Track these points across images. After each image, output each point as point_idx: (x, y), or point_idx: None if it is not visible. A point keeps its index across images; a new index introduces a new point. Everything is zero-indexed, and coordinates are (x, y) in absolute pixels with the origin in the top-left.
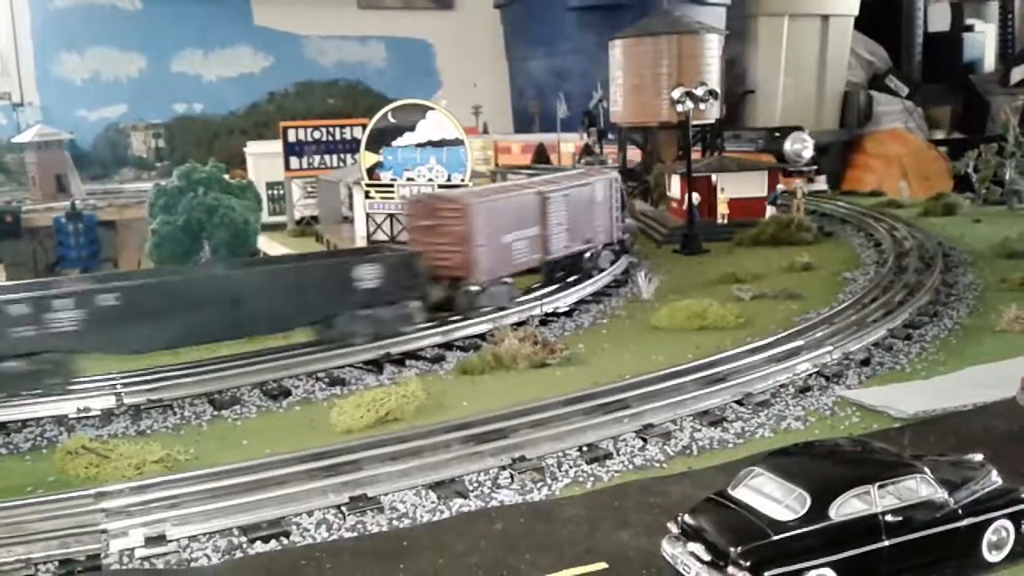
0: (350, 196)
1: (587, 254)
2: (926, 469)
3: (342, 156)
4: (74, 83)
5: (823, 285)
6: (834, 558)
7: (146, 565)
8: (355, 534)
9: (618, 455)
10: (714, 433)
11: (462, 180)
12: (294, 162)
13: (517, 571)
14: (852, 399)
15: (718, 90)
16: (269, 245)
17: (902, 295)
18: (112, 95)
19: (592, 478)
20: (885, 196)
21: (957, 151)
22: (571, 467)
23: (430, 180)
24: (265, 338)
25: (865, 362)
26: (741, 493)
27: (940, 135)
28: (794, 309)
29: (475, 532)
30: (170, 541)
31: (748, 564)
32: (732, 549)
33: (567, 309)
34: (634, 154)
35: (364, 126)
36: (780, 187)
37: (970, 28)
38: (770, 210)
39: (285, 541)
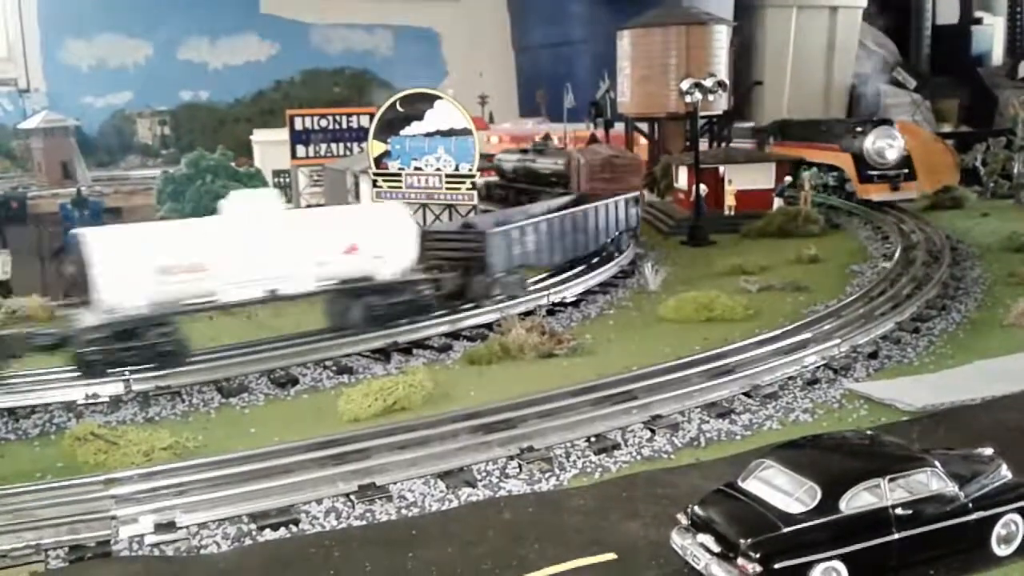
0: (356, 184)
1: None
2: (936, 463)
3: (348, 144)
4: (80, 69)
5: (831, 277)
6: (844, 551)
7: (156, 552)
8: (364, 522)
9: (626, 446)
10: (722, 425)
11: (470, 170)
12: (301, 150)
13: (526, 561)
14: (860, 392)
15: (727, 81)
16: None
17: (910, 288)
18: (118, 82)
19: (600, 469)
20: None
21: (965, 144)
22: (579, 457)
23: (438, 170)
24: (272, 327)
25: (873, 355)
26: (751, 485)
27: (948, 128)
28: (801, 301)
29: (484, 521)
30: (180, 528)
31: (758, 556)
32: (742, 541)
33: (574, 299)
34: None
35: (371, 115)
36: (787, 179)
37: (979, 21)
38: (777, 202)
39: (294, 529)
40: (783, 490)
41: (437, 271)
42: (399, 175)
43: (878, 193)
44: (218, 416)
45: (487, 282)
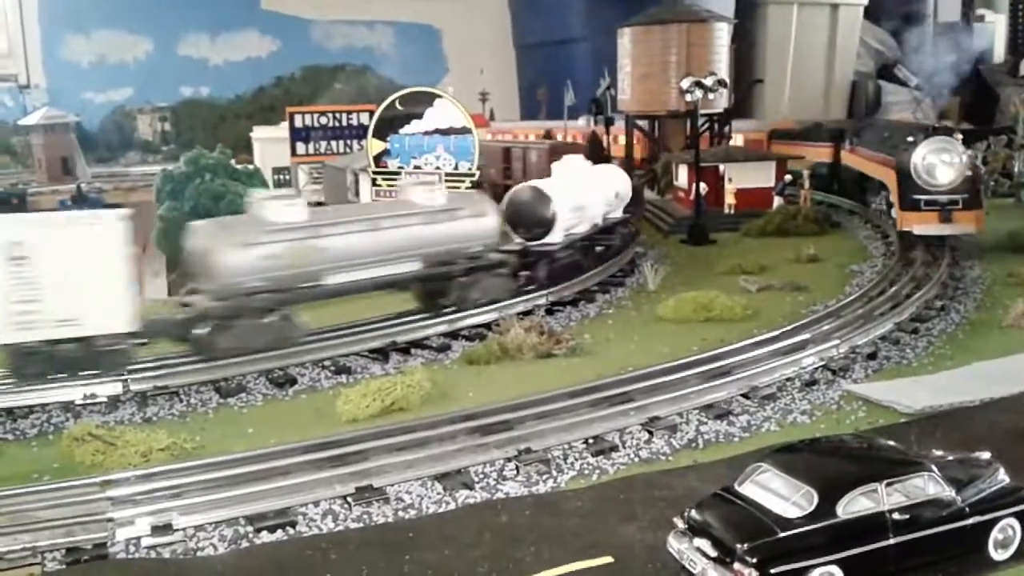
0: (356, 182)
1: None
2: (933, 467)
3: (348, 142)
4: (80, 65)
5: (830, 277)
6: (841, 556)
7: (152, 554)
8: (361, 525)
9: (624, 448)
10: (720, 426)
11: (469, 168)
12: (300, 147)
13: (522, 564)
14: (858, 393)
15: (727, 79)
16: None
17: (909, 288)
18: (119, 78)
19: (598, 471)
20: None
21: (966, 142)
22: (577, 459)
23: (437, 168)
24: None
25: (872, 356)
26: (748, 489)
27: (949, 125)
28: (801, 301)
29: (481, 524)
30: (176, 530)
31: (755, 561)
32: (739, 546)
33: (573, 298)
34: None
35: (371, 112)
36: (787, 178)
37: (980, 18)
38: (777, 201)
39: (291, 531)
40: (780, 494)
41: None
42: (398, 173)
43: (921, 224)
44: (216, 416)
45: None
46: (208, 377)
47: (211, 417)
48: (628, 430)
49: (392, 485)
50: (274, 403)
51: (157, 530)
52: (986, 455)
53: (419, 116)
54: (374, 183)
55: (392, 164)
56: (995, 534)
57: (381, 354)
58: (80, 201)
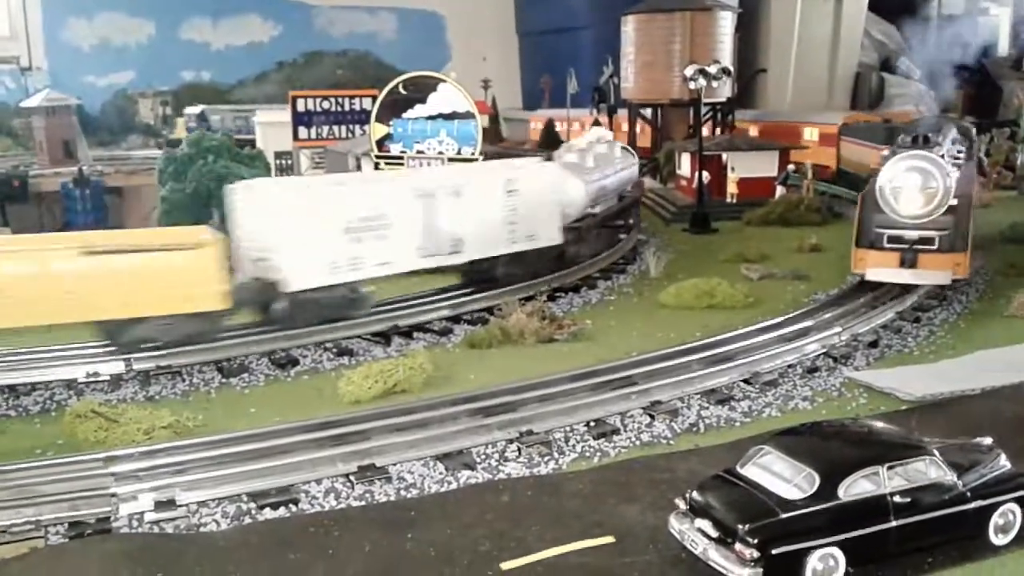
0: (358, 167)
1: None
2: (935, 451)
3: (351, 127)
4: (82, 48)
5: (832, 266)
6: (841, 537)
7: (155, 529)
8: (363, 503)
9: (625, 431)
10: (721, 411)
11: (473, 154)
12: (303, 132)
13: (524, 543)
14: (860, 380)
15: (731, 68)
16: None
17: None
18: (120, 61)
19: (599, 453)
20: None
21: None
22: (578, 442)
23: (440, 153)
24: None
25: (873, 344)
26: (750, 471)
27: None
28: (802, 290)
29: (482, 504)
30: (179, 506)
31: (756, 541)
32: (740, 526)
33: (574, 284)
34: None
35: (373, 97)
36: (790, 167)
37: (985, 11)
38: (780, 190)
39: (294, 508)
40: (782, 476)
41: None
42: (401, 158)
43: (876, 267)
44: (218, 396)
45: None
46: (211, 357)
47: (213, 397)
48: (629, 414)
49: (394, 464)
50: (276, 384)
51: (160, 505)
52: (988, 440)
53: (422, 101)
54: (376, 167)
55: (395, 149)
56: (996, 519)
57: (383, 337)
58: (82, 184)
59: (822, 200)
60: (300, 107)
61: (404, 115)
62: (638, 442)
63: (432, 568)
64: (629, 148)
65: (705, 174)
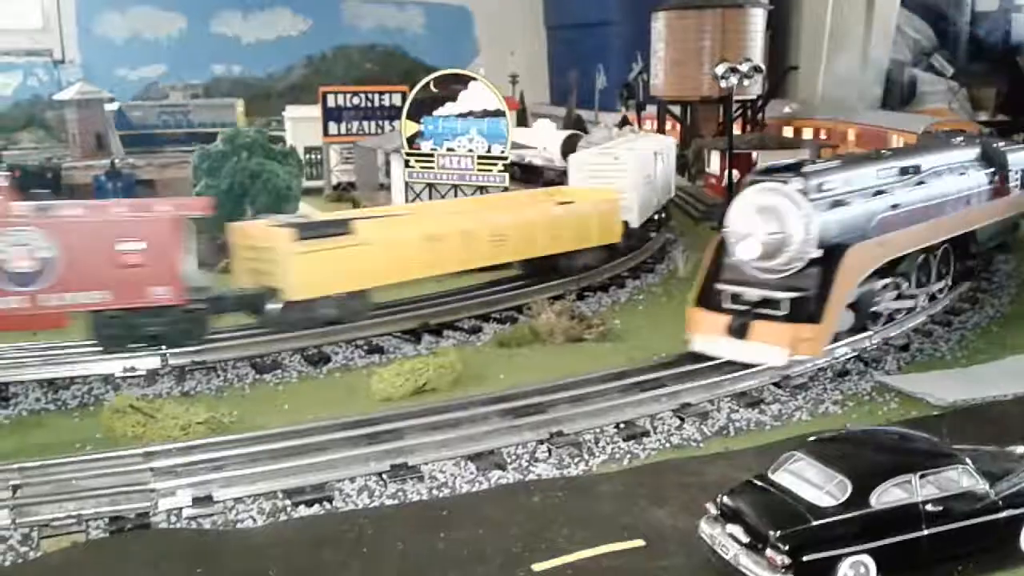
0: (387, 163)
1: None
2: (967, 460)
3: (380, 123)
4: (115, 42)
5: None
6: (873, 545)
7: (193, 525)
8: (396, 501)
9: (655, 433)
10: (751, 415)
11: (502, 151)
12: (332, 127)
13: (555, 545)
14: (891, 385)
15: (762, 65)
16: (309, 210)
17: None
18: (152, 54)
19: (629, 455)
20: None
21: (1002, 133)
22: (608, 444)
23: (470, 151)
24: None
25: (904, 348)
26: (781, 477)
27: (984, 117)
28: None
29: (513, 504)
30: (217, 502)
31: (787, 548)
32: (771, 532)
33: (602, 284)
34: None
35: (403, 93)
36: None
37: (1019, 8)
38: None
39: (328, 506)
40: (813, 483)
41: None
42: (431, 156)
43: (705, 332)
44: (252, 392)
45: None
46: (245, 353)
47: (247, 392)
48: (659, 416)
49: (426, 464)
50: (309, 380)
51: (198, 501)
52: (1020, 449)
53: (453, 98)
54: (407, 164)
55: (425, 146)
56: None
57: (413, 335)
58: (114, 177)
59: None
60: (330, 102)
61: (435, 113)
62: (668, 445)
63: (465, 568)
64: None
65: (735, 172)
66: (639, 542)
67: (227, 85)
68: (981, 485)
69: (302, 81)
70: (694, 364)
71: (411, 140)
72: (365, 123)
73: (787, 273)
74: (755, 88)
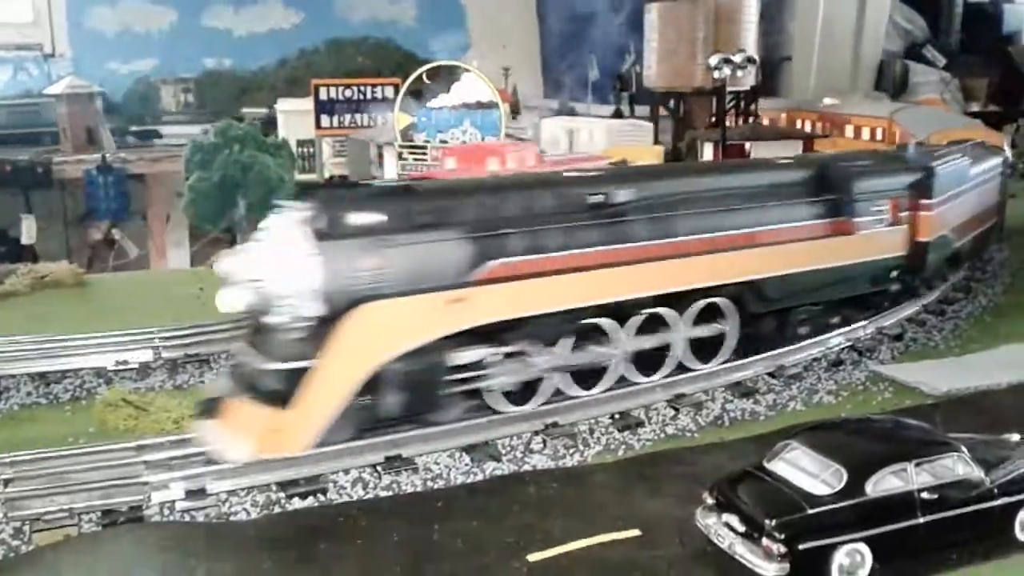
0: (380, 156)
1: None
2: (963, 448)
3: (373, 115)
4: (105, 35)
5: None
6: (869, 533)
7: (186, 518)
8: (391, 493)
9: (649, 424)
10: (746, 404)
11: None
12: (325, 120)
13: (550, 535)
14: (885, 374)
15: (756, 56)
16: None
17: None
18: (143, 48)
19: (624, 446)
20: None
21: (994, 124)
22: (603, 434)
23: (464, 143)
24: None
25: (898, 337)
26: (777, 466)
27: (976, 107)
28: None
29: (509, 495)
30: (210, 495)
31: (783, 537)
32: (767, 521)
33: None
34: None
35: (396, 85)
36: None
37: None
38: None
39: (322, 498)
40: (809, 472)
41: None
42: (425, 147)
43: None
44: None
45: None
46: None
47: None
48: (654, 407)
49: (420, 455)
50: None
51: (191, 494)
52: (1015, 437)
53: (446, 90)
54: (400, 157)
55: (419, 138)
56: (1022, 516)
57: None
58: (105, 171)
59: None
60: (323, 95)
61: (428, 105)
62: (663, 435)
63: (461, 559)
64: None
65: None
66: (635, 532)
67: (218, 78)
68: (977, 473)
69: (293, 74)
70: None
71: (404, 132)
72: (358, 115)
73: (293, 337)
74: (748, 79)
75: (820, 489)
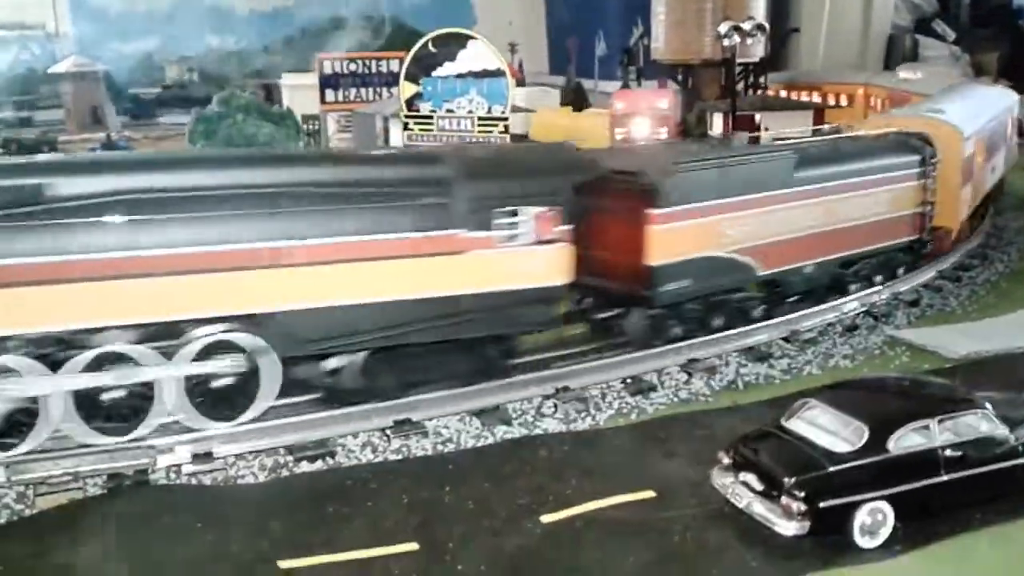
0: (386, 128)
1: None
2: (987, 405)
3: (378, 89)
4: (108, 14)
5: None
6: (891, 491)
7: (193, 481)
8: (400, 457)
9: (662, 388)
10: (760, 369)
11: (502, 112)
12: (330, 95)
13: (563, 497)
14: (902, 339)
15: (766, 24)
16: None
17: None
18: (146, 27)
19: (636, 410)
20: None
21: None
22: (615, 399)
23: (470, 112)
24: None
25: (914, 303)
26: (795, 425)
27: (987, 81)
28: None
29: (520, 458)
30: (217, 458)
31: (803, 495)
32: (787, 479)
33: None
34: None
35: (401, 59)
36: (826, 127)
37: None
38: None
39: (331, 461)
40: (829, 430)
41: None
42: (431, 117)
43: None
44: None
45: None
46: None
47: None
48: (667, 371)
49: (430, 419)
50: None
51: (198, 458)
52: None
53: (452, 59)
54: (406, 127)
55: (424, 108)
56: None
57: None
58: (109, 150)
59: None
60: (327, 69)
61: (434, 73)
62: (676, 399)
63: (471, 521)
64: None
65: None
66: (649, 493)
67: (222, 57)
68: (1001, 430)
69: (299, 53)
70: None
71: (410, 102)
72: (363, 90)
73: None
74: (757, 50)
75: (841, 447)
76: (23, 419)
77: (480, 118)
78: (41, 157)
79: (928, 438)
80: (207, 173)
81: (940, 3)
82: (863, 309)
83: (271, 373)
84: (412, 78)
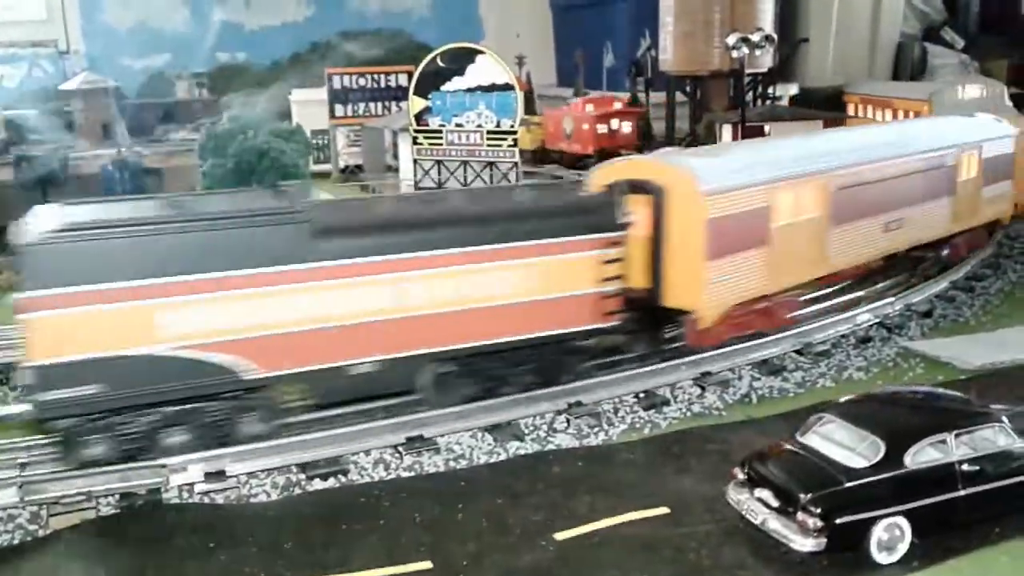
0: (395, 143)
1: None
2: (1004, 419)
3: (387, 104)
4: (119, 31)
5: None
6: (908, 506)
7: (206, 500)
8: (412, 473)
9: (675, 402)
10: (774, 382)
11: (512, 126)
12: (339, 109)
13: (577, 513)
14: (916, 350)
15: (774, 35)
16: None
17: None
18: (156, 43)
19: (649, 424)
20: None
21: (1015, 106)
22: (627, 413)
23: (479, 126)
24: None
25: (927, 314)
26: (811, 439)
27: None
28: None
29: (533, 475)
30: (230, 477)
31: (819, 511)
32: (803, 495)
33: None
34: None
35: (409, 74)
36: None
37: None
38: None
39: (343, 479)
40: (844, 445)
41: None
42: (440, 132)
43: None
44: None
45: None
46: None
47: None
48: (679, 385)
49: (442, 436)
50: None
51: (210, 476)
52: None
53: (460, 73)
54: (415, 142)
55: (433, 122)
56: None
57: None
58: (121, 166)
59: None
60: (336, 84)
61: (443, 88)
62: (689, 413)
63: (485, 538)
64: None
65: None
66: (664, 509)
67: (232, 73)
68: (1018, 444)
69: (306, 68)
70: None
71: (418, 117)
72: (372, 104)
73: None
74: (766, 60)
75: (857, 462)
76: None
77: (489, 132)
78: None
79: (945, 452)
80: None
81: (948, 11)
82: (876, 320)
83: None
84: (421, 92)
